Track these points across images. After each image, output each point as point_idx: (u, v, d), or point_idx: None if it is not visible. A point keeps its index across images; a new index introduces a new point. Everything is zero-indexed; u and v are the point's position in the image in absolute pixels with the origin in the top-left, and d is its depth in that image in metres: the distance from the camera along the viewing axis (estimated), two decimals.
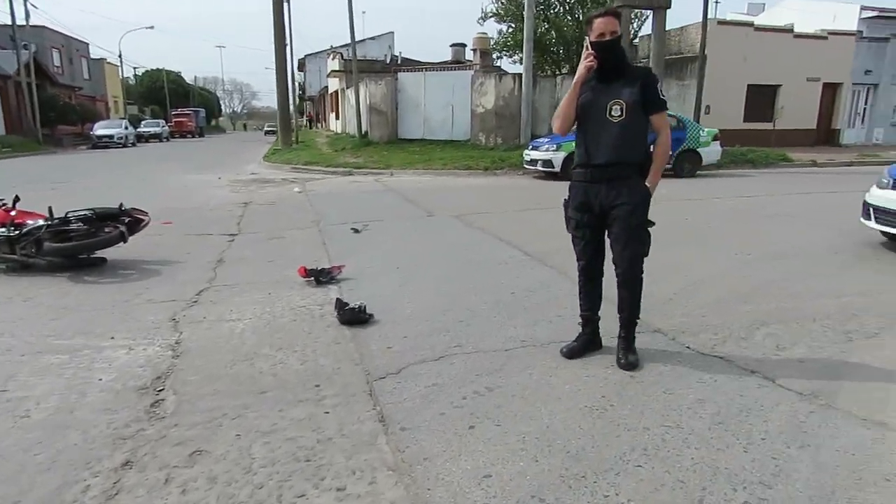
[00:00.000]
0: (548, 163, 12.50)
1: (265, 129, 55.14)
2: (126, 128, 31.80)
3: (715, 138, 13.24)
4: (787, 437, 2.40)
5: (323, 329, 3.75)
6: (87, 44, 42.08)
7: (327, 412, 2.66)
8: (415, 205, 9.20)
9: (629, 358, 3.08)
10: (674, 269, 5.08)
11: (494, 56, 24.02)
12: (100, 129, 30.26)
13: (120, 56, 51.94)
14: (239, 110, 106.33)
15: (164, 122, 43.34)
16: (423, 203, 9.28)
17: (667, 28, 21.26)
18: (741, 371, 3.07)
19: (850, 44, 21.27)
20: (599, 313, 3.32)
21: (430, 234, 6.94)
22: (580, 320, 3.34)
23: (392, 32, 46.29)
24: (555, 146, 12.45)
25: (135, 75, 60.93)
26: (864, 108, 22.70)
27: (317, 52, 49.79)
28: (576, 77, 2.96)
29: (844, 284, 4.65)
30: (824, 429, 2.47)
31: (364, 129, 20.29)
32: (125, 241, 5.34)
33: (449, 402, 2.75)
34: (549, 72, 21.24)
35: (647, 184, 2.95)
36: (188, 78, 70.97)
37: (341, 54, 29.31)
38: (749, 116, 20.34)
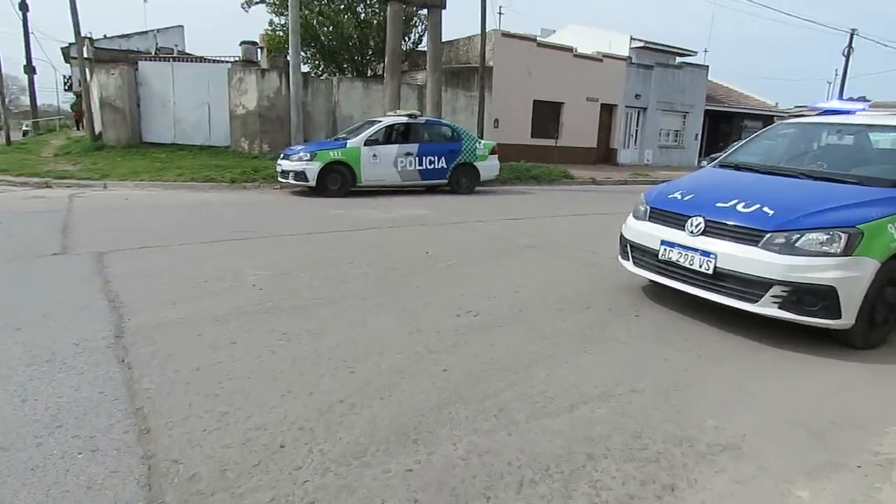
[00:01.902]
0: (301, 175, 10.19)
1: None
2: None
3: (492, 151, 12.10)
4: None
5: None
6: None
7: None
8: (64, 235, 6.26)
9: None
10: (339, 359, 3.07)
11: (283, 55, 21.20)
12: None
13: None
14: None
15: None
16: (81, 233, 6.39)
17: (458, 37, 20.53)
18: None
19: (621, 67, 22.43)
20: None
21: (12, 287, 4.18)
22: None
23: (181, 26, 40.47)
24: (309, 155, 10.23)
25: None
26: (636, 130, 24.19)
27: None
28: None
29: (586, 376, 3.01)
30: None
31: (98, 129, 16.16)
32: None
33: None
34: (329, 74, 19.04)
35: None
36: None
37: (90, 39, 24.05)
38: (535, 132, 20.25)
